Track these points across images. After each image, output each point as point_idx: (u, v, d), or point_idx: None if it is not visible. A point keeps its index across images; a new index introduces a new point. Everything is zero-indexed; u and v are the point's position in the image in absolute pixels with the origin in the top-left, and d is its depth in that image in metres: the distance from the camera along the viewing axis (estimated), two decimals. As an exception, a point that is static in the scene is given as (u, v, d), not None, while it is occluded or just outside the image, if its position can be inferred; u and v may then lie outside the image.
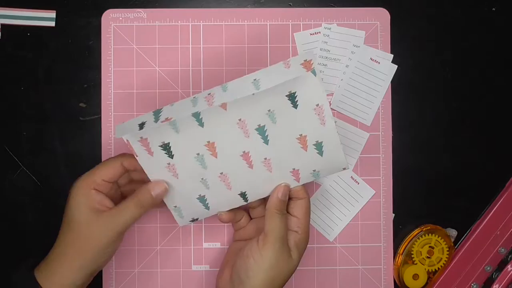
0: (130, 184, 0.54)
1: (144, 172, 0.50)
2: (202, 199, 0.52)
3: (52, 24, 0.58)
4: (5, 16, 0.58)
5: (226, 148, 0.49)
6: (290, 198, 0.53)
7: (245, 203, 0.53)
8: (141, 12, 0.58)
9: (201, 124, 0.47)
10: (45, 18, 0.58)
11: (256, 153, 0.49)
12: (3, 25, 0.58)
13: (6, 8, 0.58)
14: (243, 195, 0.52)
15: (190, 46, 0.58)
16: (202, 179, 0.50)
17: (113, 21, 0.58)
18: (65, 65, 0.58)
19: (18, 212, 0.58)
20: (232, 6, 0.59)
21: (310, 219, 0.58)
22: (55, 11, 0.58)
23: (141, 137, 0.48)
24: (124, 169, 0.51)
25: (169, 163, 0.49)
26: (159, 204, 0.51)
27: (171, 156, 0.49)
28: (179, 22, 0.58)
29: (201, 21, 0.58)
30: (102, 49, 0.58)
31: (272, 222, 0.50)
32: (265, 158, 0.50)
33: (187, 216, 0.53)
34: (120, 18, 0.58)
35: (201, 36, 0.58)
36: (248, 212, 0.57)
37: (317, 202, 0.59)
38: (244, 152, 0.49)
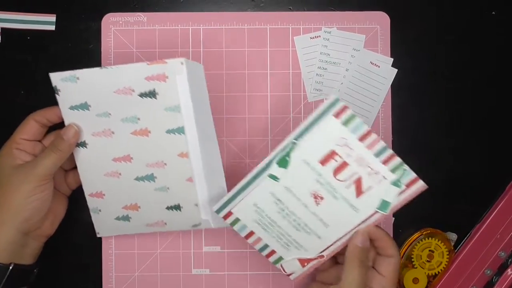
0: None
1: None
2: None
3: (52, 28, 0.58)
4: (5, 20, 0.58)
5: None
6: (379, 254, 0.49)
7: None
8: (141, 16, 0.58)
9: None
10: (45, 22, 0.58)
11: None
12: (3, 28, 0.58)
13: (6, 12, 0.58)
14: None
15: (190, 49, 0.58)
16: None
17: (113, 24, 0.58)
18: (65, 68, 0.58)
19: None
20: (232, 9, 0.59)
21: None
22: (55, 15, 0.58)
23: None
24: (39, 124, 0.52)
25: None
26: (74, 144, 0.52)
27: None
28: (179, 25, 0.58)
29: (201, 25, 0.58)
30: (102, 53, 0.58)
31: (349, 273, 0.47)
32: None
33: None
34: (120, 22, 0.58)
35: (201, 40, 0.58)
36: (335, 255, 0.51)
37: (317, 205, 0.59)
38: None
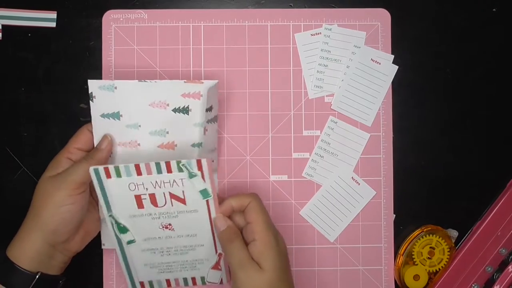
0: None
1: None
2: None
3: (53, 25, 0.58)
4: (6, 17, 0.58)
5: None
6: (244, 212, 0.51)
7: None
8: (142, 13, 0.58)
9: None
10: (46, 19, 0.58)
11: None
12: (4, 25, 0.58)
13: (7, 8, 0.58)
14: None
15: (191, 46, 0.58)
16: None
17: (113, 21, 0.58)
18: (65, 66, 0.58)
19: (19, 213, 0.58)
20: (232, 6, 0.59)
21: (311, 220, 0.58)
22: (56, 12, 0.58)
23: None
24: (91, 133, 0.53)
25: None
26: (108, 156, 0.52)
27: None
28: (180, 22, 0.58)
29: (202, 22, 0.58)
30: (103, 49, 0.58)
31: (226, 253, 0.50)
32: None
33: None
34: (121, 19, 0.58)
35: (201, 37, 0.58)
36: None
37: (318, 203, 0.59)
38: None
